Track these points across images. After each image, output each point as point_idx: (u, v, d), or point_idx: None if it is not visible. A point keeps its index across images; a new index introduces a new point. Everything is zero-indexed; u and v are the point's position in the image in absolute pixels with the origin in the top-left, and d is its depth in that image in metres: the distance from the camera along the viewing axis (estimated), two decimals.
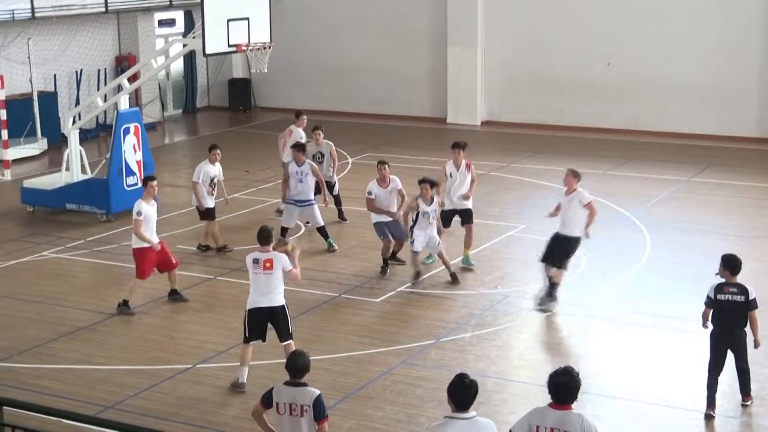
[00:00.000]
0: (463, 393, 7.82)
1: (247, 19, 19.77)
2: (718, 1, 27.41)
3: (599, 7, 28.71)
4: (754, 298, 11.50)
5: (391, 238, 16.64)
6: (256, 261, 12.21)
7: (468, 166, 17.05)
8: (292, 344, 12.18)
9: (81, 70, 28.87)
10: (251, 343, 12.40)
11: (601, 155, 25.77)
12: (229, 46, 19.67)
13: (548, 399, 7.95)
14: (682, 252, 17.79)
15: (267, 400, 8.83)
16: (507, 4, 29.83)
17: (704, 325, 11.78)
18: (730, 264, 11.63)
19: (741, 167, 24.37)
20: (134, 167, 20.38)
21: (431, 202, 16.21)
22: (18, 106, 26.14)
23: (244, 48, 19.74)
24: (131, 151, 20.32)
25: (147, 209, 15.03)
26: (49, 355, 13.62)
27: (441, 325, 14.48)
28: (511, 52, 30.06)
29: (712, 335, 11.69)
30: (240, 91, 33.88)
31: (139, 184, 20.27)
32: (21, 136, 25.99)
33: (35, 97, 26.26)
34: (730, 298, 11.49)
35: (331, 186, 19.32)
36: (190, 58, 32.27)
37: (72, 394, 12.35)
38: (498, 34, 30.07)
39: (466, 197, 17.04)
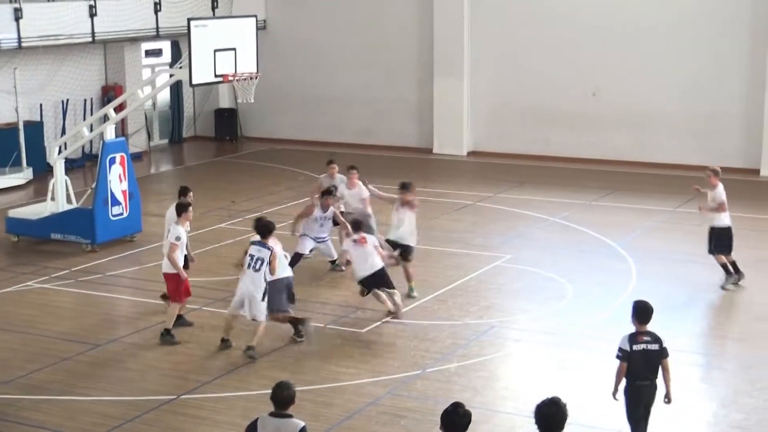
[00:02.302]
0: (454, 421, 7.81)
1: (234, 49, 19.82)
2: (702, 33, 27.59)
3: (584, 39, 28.86)
4: (666, 347, 10.76)
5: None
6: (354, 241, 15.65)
7: (406, 204, 17.20)
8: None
9: (67, 100, 28.87)
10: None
11: (586, 185, 25.85)
12: (215, 76, 19.72)
13: (535, 430, 7.93)
14: (667, 283, 17.81)
15: (251, 431, 8.79)
16: (493, 35, 29.98)
17: (617, 384, 10.74)
18: (640, 312, 10.82)
19: (726, 198, 24.39)
20: (120, 197, 20.35)
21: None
22: (4, 135, 26.14)
23: (230, 78, 19.79)
24: (117, 181, 20.30)
25: (184, 234, 14.96)
26: (32, 385, 13.52)
27: (427, 356, 14.45)
28: (496, 83, 30.19)
29: (630, 390, 10.77)
30: (226, 121, 33.89)
31: (125, 214, 20.30)
32: (6, 166, 25.98)
33: (21, 127, 26.25)
34: (646, 347, 10.67)
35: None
36: (176, 88, 32.32)
37: (55, 425, 12.27)
38: (484, 65, 30.21)
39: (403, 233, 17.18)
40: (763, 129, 26.94)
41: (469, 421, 7.83)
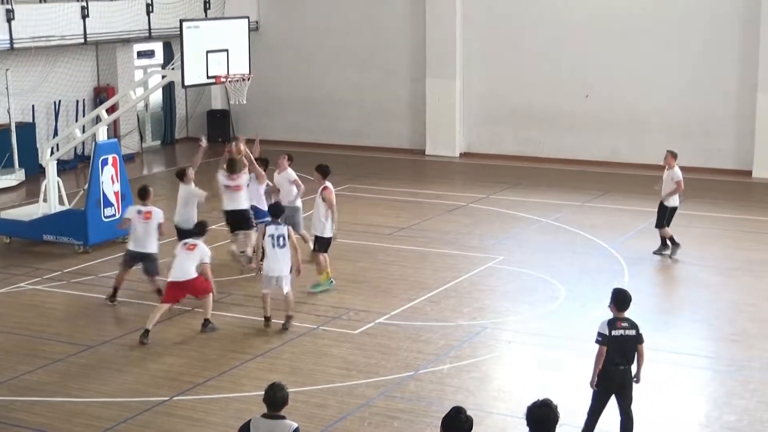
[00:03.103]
0: (457, 428, 7.78)
1: (227, 50, 19.79)
2: (695, 34, 27.63)
3: (577, 40, 28.90)
4: (642, 333, 11.13)
5: None
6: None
7: (322, 191, 17.28)
8: None
9: (59, 101, 28.83)
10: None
11: (579, 187, 25.88)
12: (208, 77, 19.68)
13: (527, 430, 7.93)
14: (659, 284, 17.86)
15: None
16: (485, 37, 30.01)
17: (596, 370, 11.09)
18: (618, 299, 11.23)
19: (719, 199, 24.50)
20: (112, 198, 20.31)
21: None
22: None
23: (223, 80, 19.76)
24: (109, 183, 20.27)
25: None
26: (24, 387, 13.50)
27: (419, 357, 14.45)
28: (489, 84, 30.21)
29: (603, 375, 11.10)
30: (219, 122, 33.87)
31: (117, 215, 20.25)
32: None
33: (13, 128, 26.20)
34: (623, 333, 11.01)
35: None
36: (169, 90, 32.30)
37: (48, 427, 12.24)
38: (477, 66, 30.23)
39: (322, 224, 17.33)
40: (755, 131, 26.99)
41: (471, 427, 7.80)
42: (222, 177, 18.20)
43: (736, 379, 13.64)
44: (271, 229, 15.34)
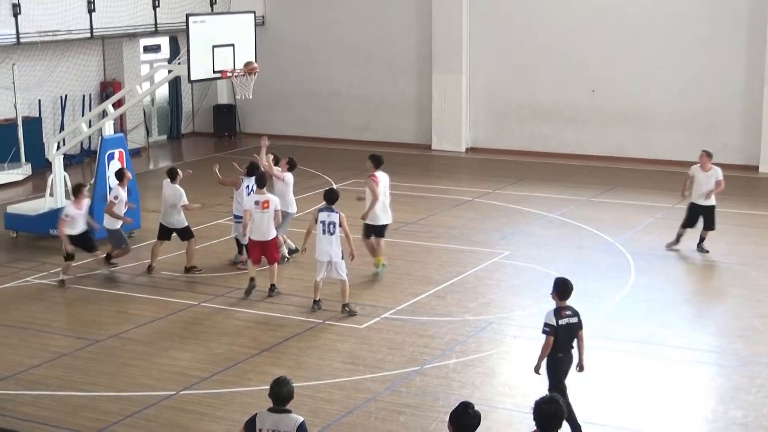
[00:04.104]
0: (466, 423, 7.80)
1: (233, 45, 19.79)
2: (701, 29, 27.58)
3: (583, 35, 28.85)
4: (581, 319, 11.48)
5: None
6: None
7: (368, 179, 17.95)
8: None
9: (66, 96, 28.85)
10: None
11: (586, 182, 25.85)
12: (214, 72, 19.69)
13: (533, 426, 7.93)
14: (666, 279, 17.83)
15: (250, 427, 8.79)
16: (492, 31, 29.98)
17: (539, 362, 11.37)
18: (560, 288, 11.45)
19: (725, 194, 24.35)
20: None
21: None
22: (2, 131, 26.12)
23: (229, 74, 19.76)
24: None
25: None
26: (31, 381, 13.53)
27: (425, 352, 14.45)
28: (495, 79, 30.19)
29: (552, 363, 11.34)
30: (225, 117, 33.88)
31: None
32: (5, 162, 25.95)
33: (20, 123, 26.24)
34: (569, 321, 11.34)
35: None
36: (175, 84, 32.29)
37: (55, 420, 12.27)
38: (483, 61, 30.20)
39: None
40: (762, 125, 26.94)
41: (479, 422, 7.82)
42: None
43: (743, 375, 13.63)
44: (323, 215, 15.67)
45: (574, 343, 11.47)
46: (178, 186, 18.18)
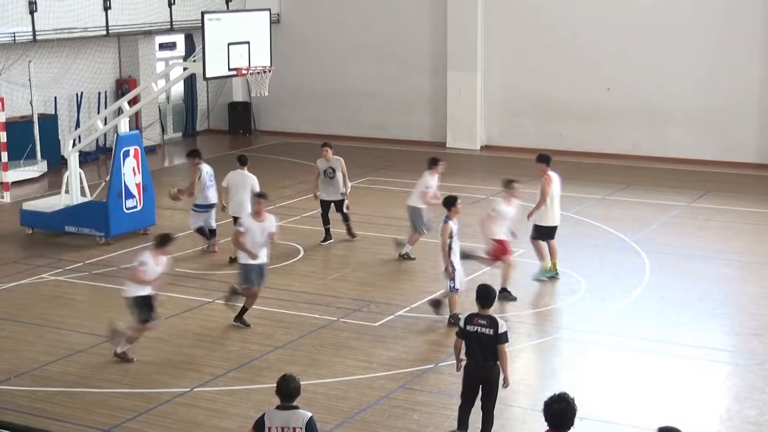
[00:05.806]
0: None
1: (248, 43, 19.81)
2: (717, 27, 27.50)
3: (598, 33, 28.80)
4: (504, 332, 11.04)
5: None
6: None
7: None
8: None
9: (81, 93, 28.93)
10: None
11: (601, 180, 25.80)
12: (229, 69, 19.70)
13: (546, 425, 7.93)
14: (681, 277, 17.78)
15: (259, 427, 8.79)
16: (506, 29, 29.95)
17: (457, 360, 11.48)
18: (481, 295, 11.33)
19: (740, 193, 24.38)
20: (134, 190, 20.38)
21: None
22: (18, 128, 26.19)
23: (244, 72, 19.77)
24: (131, 174, 20.34)
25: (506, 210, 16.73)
26: (46, 377, 13.58)
27: (439, 350, 14.45)
28: (510, 77, 30.16)
29: (466, 367, 11.33)
30: (240, 114, 33.94)
31: (139, 207, 20.34)
32: (21, 159, 26.03)
33: (35, 120, 26.34)
34: (478, 330, 11.08)
35: (341, 202, 19.45)
36: (190, 82, 32.36)
37: (69, 417, 12.31)
38: (498, 59, 30.18)
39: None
40: None
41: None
42: None
43: (758, 374, 13.59)
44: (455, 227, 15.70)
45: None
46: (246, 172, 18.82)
